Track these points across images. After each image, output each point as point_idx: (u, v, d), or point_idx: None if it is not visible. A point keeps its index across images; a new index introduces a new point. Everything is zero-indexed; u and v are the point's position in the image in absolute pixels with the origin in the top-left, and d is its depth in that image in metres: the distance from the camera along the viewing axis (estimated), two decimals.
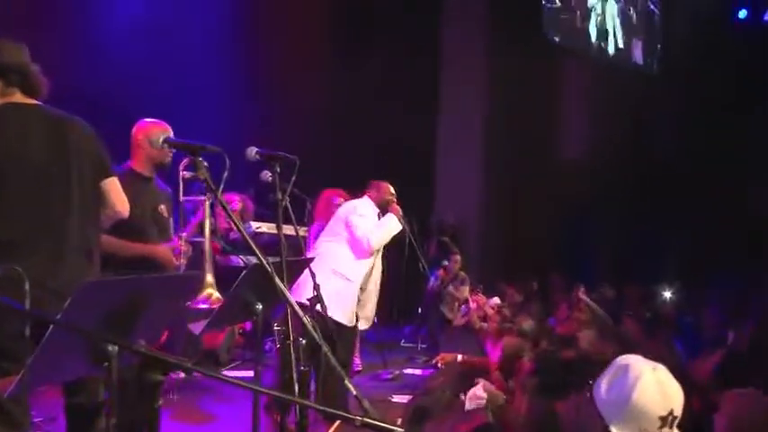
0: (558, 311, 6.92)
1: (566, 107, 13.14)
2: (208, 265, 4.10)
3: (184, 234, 4.60)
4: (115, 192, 3.15)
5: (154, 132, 3.79)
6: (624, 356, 2.22)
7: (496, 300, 7.89)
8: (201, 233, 6.08)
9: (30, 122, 2.92)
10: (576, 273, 8.20)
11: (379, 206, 5.43)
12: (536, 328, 5.33)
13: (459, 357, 6.09)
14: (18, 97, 2.96)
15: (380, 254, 5.42)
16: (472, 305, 6.82)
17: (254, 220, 7.09)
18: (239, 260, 6.62)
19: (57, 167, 2.91)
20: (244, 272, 2.92)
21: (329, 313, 3.87)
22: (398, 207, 5.38)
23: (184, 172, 4.88)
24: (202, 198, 6.22)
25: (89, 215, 3.01)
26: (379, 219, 5.36)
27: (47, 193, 2.87)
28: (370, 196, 5.46)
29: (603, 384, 2.17)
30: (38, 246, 2.79)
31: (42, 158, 2.88)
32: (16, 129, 2.87)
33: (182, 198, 4.95)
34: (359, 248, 5.17)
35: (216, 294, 4.79)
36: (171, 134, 3.77)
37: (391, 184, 5.60)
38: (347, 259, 5.14)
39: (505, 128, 11.98)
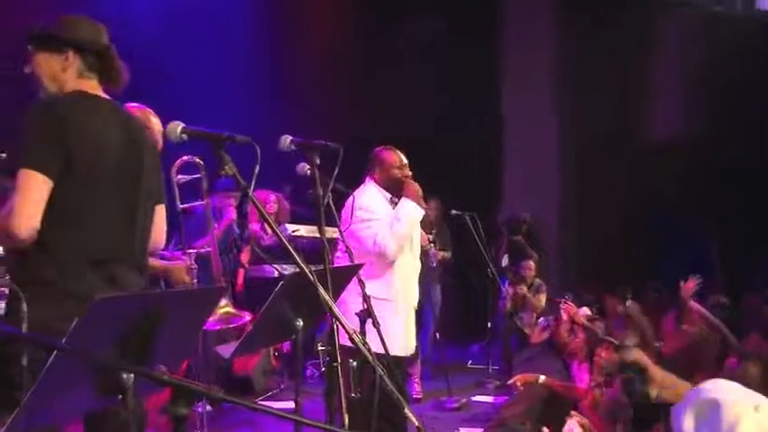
0: (663, 324, 6.74)
1: (659, 76, 12.74)
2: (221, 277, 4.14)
3: (194, 250, 4.66)
4: (160, 221, 3.25)
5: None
6: (710, 384, 2.08)
7: (586, 310, 7.74)
8: (229, 239, 6.06)
9: (109, 122, 2.97)
10: (675, 278, 7.98)
11: (387, 188, 4.96)
12: (640, 346, 5.20)
13: (542, 379, 5.95)
14: (94, 86, 3.01)
15: (415, 249, 5.06)
16: (563, 316, 6.68)
17: (290, 222, 7.16)
18: (273, 270, 6.67)
19: (130, 179, 3.00)
20: (281, 282, 2.93)
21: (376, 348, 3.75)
22: (415, 184, 4.94)
23: (179, 176, 5.03)
24: (230, 198, 6.39)
25: (146, 236, 3.12)
26: (394, 205, 4.95)
27: (120, 203, 2.95)
28: (373, 178, 4.99)
29: (687, 420, 2.03)
30: (116, 259, 2.88)
31: (119, 166, 2.94)
32: (98, 126, 2.90)
33: (179, 206, 5.02)
34: (375, 259, 4.77)
35: (232, 311, 4.81)
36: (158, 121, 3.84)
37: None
38: (367, 275, 4.70)
39: (582, 104, 11.79)
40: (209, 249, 5.11)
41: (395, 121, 9.72)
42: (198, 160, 5.08)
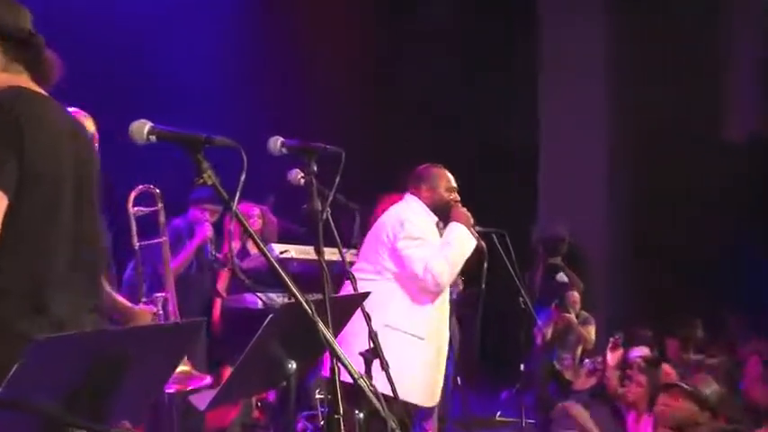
0: (747, 368, 6.66)
1: (733, 62, 12.56)
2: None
3: (162, 294, 4.86)
4: None
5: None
6: None
7: (643, 350, 7.67)
8: (201, 262, 6.03)
9: (61, 126, 2.92)
10: (759, 306, 7.86)
11: (435, 210, 5.13)
12: (720, 394, 5.15)
13: None
14: (24, 81, 2.94)
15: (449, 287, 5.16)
16: (609, 361, 6.63)
17: (279, 241, 7.12)
18: (256, 299, 6.61)
19: (86, 194, 2.96)
20: (271, 315, 2.93)
21: (398, 393, 3.71)
22: (465, 210, 5.08)
23: (136, 209, 5.13)
24: (204, 212, 6.43)
25: (103, 265, 3.12)
26: (439, 230, 5.11)
27: (78, 224, 2.92)
28: (418, 195, 5.16)
29: None
30: (70, 287, 2.84)
31: (67, 173, 2.91)
32: (54, 129, 2.87)
33: (136, 244, 5.15)
34: (420, 288, 4.88)
35: (189, 369, 4.84)
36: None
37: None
38: (405, 306, 4.91)
39: (638, 99, 11.55)
40: (165, 296, 5.06)
41: (407, 120, 9.69)
42: (156, 190, 5.25)
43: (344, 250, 4.03)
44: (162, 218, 5.25)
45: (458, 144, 10.08)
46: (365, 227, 6.19)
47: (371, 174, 7.42)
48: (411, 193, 5.13)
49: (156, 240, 5.29)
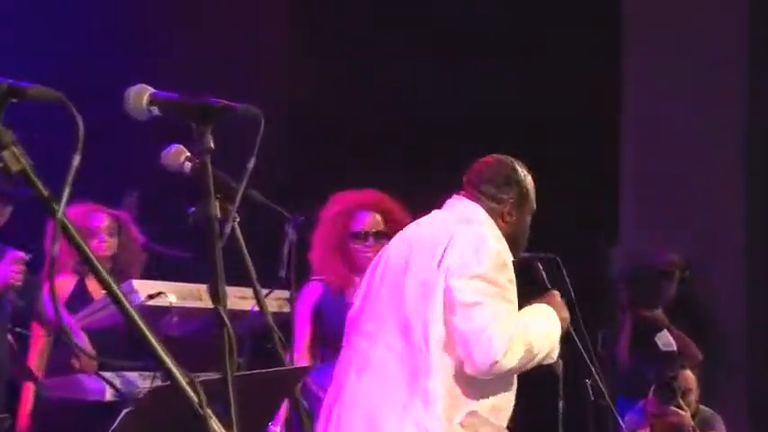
0: None
1: None
2: None
3: None
4: None
5: None
6: None
7: None
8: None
9: None
10: None
11: (511, 245, 3.83)
12: None
13: None
14: None
15: None
16: None
17: (147, 276, 5.31)
18: (102, 385, 4.87)
19: None
20: (126, 411, 2.61)
21: None
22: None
23: None
24: None
25: None
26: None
27: None
28: (493, 214, 3.82)
29: None
30: None
31: None
32: None
33: None
34: (478, 359, 3.57)
35: None
36: None
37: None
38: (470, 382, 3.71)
39: None
40: None
41: (390, 84, 7.83)
42: None
43: (265, 291, 3.41)
44: None
45: (487, 127, 7.79)
46: (304, 249, 5.05)
47: (317, 162, 6.56)
48: (477, 203, 3.83)
49: None
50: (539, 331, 3.72)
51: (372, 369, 3.68)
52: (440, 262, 3.64)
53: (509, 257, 3.75)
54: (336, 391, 3.76)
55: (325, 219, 5.16)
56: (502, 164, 3.91)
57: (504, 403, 3.77)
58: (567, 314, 3.87)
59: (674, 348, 6.22)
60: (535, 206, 3.94)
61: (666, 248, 7.10)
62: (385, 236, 4.91)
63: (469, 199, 3.85)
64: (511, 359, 3.58)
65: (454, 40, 8.45)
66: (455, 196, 3.90)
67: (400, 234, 3.99)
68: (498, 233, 3.78)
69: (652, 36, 8.64)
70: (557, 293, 3.91)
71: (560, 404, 4.49)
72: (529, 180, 3.91)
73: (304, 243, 4.96)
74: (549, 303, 3.84)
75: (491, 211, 3.82)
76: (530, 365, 3.70)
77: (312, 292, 5.14)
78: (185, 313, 4.83)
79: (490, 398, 3.72)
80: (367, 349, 3.74)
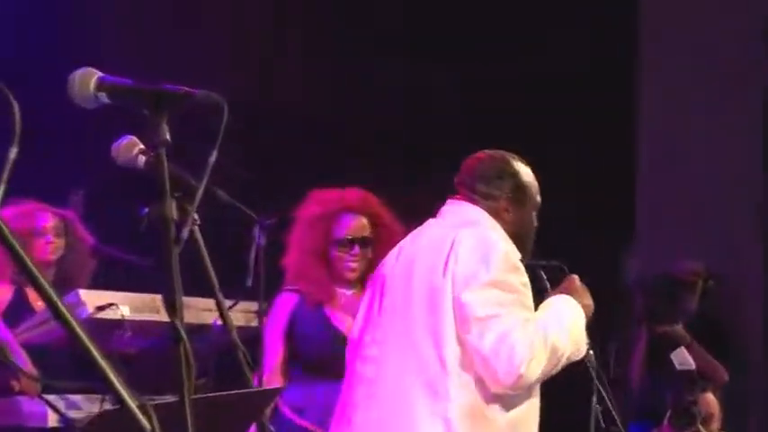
0: None
1: None
2: None
3: None
4: None
5: None
6: None
7: None
8: None
9: None
10: None
11: (517, 243, 3.60)
12: None
13: None
14: None
15: None
16: None
17: (96, 285, 5.00)
18: (43, 408, 4.59)
19: None
20: None
21: None
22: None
23: None
24: None
25: None
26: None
27: None
28: (496, 214, 3.62)
29: None
30: None
31: None
32: None
33: None
34: (502, 376, 3.40)
35: None
36: None
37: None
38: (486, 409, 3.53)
39: None
40: None
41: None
42: None
43: (230, 303, 3.29)
44: None
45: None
46: (276, 255, 4.63)
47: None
48: (487, 210, 3.66)
49: None
50: (560, 330, 3.51)
51: (383, 398, 3.52)
52: (444, 270, 3.46)
53: (518, 258, 3.52)
54: (345, 426, 3.59)
55: (303, 221, 4.66)
56: (492, 158, 3.73)
57: (526, 415, 3.61)
58: (590, 300, 3.65)
59: (692, 368, 5.74)
60: (539, 200, 3.74)
61: (687, 256, 6.59)
62: (372, 243, 4.56)
63: (465, 201, 3.67)
64: (535, 369, 3.41)
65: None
66: (449, 201, 3.71)
67: (394, 252, 3.77)
68: (503, 233, 3.60)
69: (667, 37, 8.42)
70: (575, 278, 3.68)
71: (594, 401, 4.20)
72: (525, 172, 3.72)
73: (276, 248, 4.60)
74: (568, 291, 3.64)
75: (490, 211, 3.64)
76: (557, 369, 3.53)
77: (285, 303, 4.64)
78: (140, 327, 4.57)
79: (512, 411, 3.55)
80: (374, 377, 3.57)
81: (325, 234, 4.62)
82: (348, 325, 4.50)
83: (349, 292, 4.65)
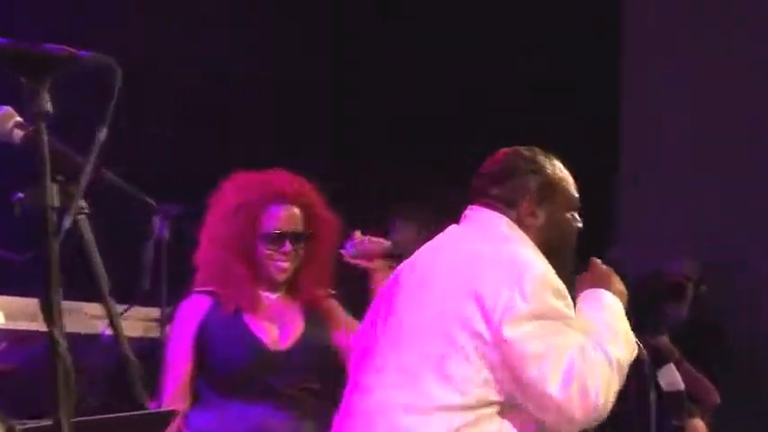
0: None
1: None
2: None
3: None
4: None
5: None
6: None
7: None
8: None
9: None
10: None
11: (547, 250, 3.23)
12: None
13: None
14: None
15: None
16: None
17: None
18: None
19: None
20: None
21: None
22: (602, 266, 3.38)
23: None
24: None
25: None
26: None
27: None
28: (521, 221, 3.23)
29: None
30: None
31: None
32: None
33: None
34: (581, 417, 3.07)
35: None
36: None
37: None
38: None
39: None
40: None
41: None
42: None
43: (122, 308, 3.03)
44: None
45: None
46: (188, 251, 4.09)
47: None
48: (494, 210, 3.29)
49: None
50: (616, 340, 3.18)
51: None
52: (468, 297, 3.03)
53: (555, 277, 3.11)
54: None
55: (221, 210, 4.05)
56: (507, 156, 3.33)
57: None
58: (621, 285, 3.31)
59: (681, 388, 5.35)
60: (575, 197, 3.33)
61: (676, 256, 6.10)
62: (305, 238, 3.98)
63: (484, 207, 3.26)
64: (609, 394, 3.12)
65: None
66: (470, 207, 3.30)
67: (408, 262, 3.37)
68: (533, 246, 3.21)
69: (651, 33, 8.39)
70: (598, 263, 3.33)
71: (652, 396, 3.99)
72: (551, 165, 3.30)
73: (184, 242, 4.12)
74: (599, 282, 3.28)
75: (513, 218, 3.23)
76: (622, 377, 3.20)
77: (195, 308, 4.02)
78: (15, 337, 4.20)
79: None
80: (368, 410, 3.17)
81: (249, 227, 3.99)
82: (273, 335, 3.99)
83: (274, 296, 4.01)
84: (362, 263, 4.11)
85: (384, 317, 3.25)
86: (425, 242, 3.50)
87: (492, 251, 3.14)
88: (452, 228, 3.32)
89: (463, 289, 3.06)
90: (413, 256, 3.37)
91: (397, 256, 4.07)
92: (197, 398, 3.94)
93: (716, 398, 5.71)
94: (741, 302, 6.70)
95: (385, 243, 4.15)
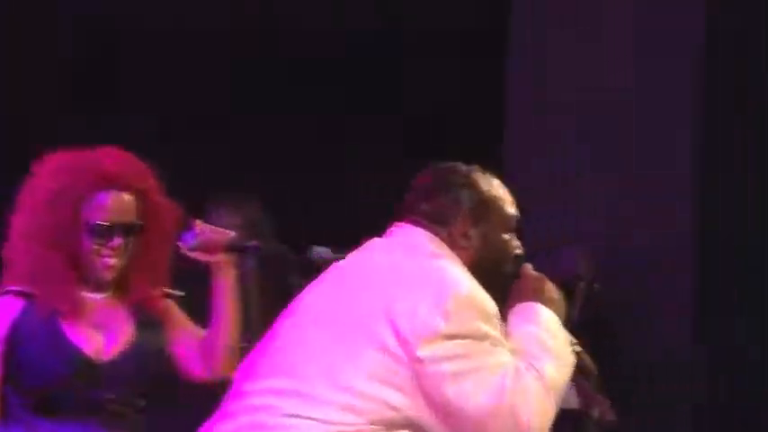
0: None
1: None
2: None
3: None
4: None
5: None
6: None
7: None
8: None
9: None
10: None
11: (478, 272, 2.98)
12: None
13: None
14: None
15: None
16: None
17: None
18: None
19: None
20: None
21: None
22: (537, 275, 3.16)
23: None
24: None
25: None
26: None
27: None
28: (451, 242, 2.99)
29: None
30: None
31: None
32: None
33: None
34: None
35: None
36: None
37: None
38: None
39: None
40: None
41: None
42: None
43: None
44: None
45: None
46: None
47: None
48: (422, 227, 3.06)
49: None
50: (551, 360, 2.95)
51: None
52: (381, 316, 2.78)
53: (484, 296, 2.86)
54: None
55: (36, 196, 3.53)
56: (437, 171, 3.11)
57: None
58: (555, 292, 3.10)
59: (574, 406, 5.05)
60: (512, 216, 3.10)
61: (566, 247, 5.62)
62: (137, 231, 3.49)
63: (411, 225, 3.01)
64: (544, 420, 2.91)
65: None
66: (395, 225, 3.06)
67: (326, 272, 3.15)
68: (460, 264, 2.96)
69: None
70: (528, 270, 3.10)
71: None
72: (486, 182, 3.07)
73: None
74: (532, 294, 3.05)
75: (443, 237, 2.99)
76: (558, 400, 2.96)
77: (3, 311, 3.53)
78: None
79: None
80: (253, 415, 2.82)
81: (70, 217, 3.49)
82: (97, 344, 3.51)
83: (99, 297, 3.51)
84: (202, 256, 3.63)
85: (287, 326, 2.97)
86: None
87: (413, 266, 2.91)
88: (374, 241, 3.08)
89: (378, 305, 2.82)
90: (333, 266, 3.14)
91: (242, 250, 3.69)
92: (6, 415, 3.46)
93: (610, 415, 5.50)
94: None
95: (230, 234, 3.69)
